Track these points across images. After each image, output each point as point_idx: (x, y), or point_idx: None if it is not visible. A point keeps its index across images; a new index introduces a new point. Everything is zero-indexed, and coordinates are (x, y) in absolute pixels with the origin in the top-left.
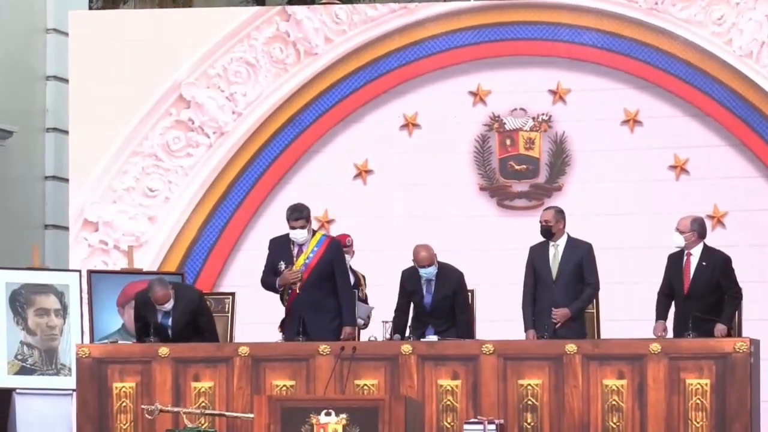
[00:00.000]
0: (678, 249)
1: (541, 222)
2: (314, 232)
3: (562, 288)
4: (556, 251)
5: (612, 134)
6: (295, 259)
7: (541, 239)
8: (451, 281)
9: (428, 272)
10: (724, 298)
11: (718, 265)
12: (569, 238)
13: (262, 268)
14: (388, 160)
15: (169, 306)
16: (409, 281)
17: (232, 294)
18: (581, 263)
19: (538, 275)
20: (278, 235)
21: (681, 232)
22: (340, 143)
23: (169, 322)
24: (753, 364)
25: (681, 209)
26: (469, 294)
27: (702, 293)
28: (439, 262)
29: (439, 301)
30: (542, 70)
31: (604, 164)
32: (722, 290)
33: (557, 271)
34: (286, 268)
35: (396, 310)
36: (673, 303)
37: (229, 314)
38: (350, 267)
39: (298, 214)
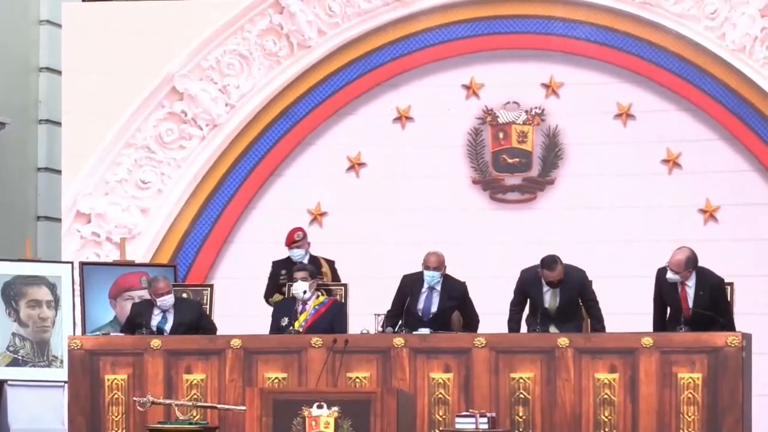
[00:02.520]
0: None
1: (552, 281)
2: (319, 294)
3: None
4: (553, 291)
5: (605, 128)
6: (298, 314)
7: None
8: (456, 290)
9: (433, 276)
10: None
11: (713, 290)
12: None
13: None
14: (381, 153)
15: (168, 300)
16: (409, 285)
17: (210, 286)
18: (580, 294)
19: (533, 306)
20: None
21: (675, 273)
22: (333, 136)
23: (166, 325)
24: (745, 358)
25: (673, 203)
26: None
27: (703, 317)
28: (444, 275)
29: (440, 311)
30: (535, 63)
31: (596, 158)
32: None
33: (557, 307)
34: (288, 324)
35: (389, 311)
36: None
37: (208, 306)
38: (310, 254)
39: (302, 266)
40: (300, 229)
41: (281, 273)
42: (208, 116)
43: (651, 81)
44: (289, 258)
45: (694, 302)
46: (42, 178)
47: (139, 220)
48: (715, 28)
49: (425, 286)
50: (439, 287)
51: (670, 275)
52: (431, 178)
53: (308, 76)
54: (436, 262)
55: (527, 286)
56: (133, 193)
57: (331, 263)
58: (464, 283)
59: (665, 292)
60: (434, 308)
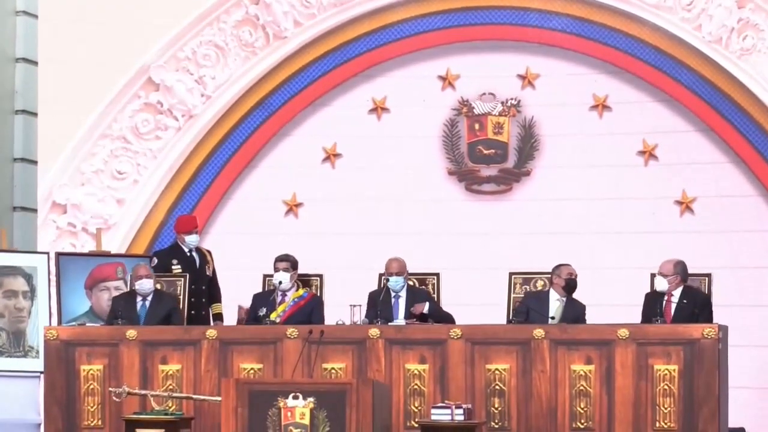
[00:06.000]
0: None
1: (572, 276)
2: (298, 287)
3: None
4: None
5: (581, 119)
6: (276, 305)
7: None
8: (422, 297)
9: (396, 281)
10: None
11: (698, 302)
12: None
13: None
14: (356, 144)
15: (145, 284)
16: (375, 299)
17: (184, 276)
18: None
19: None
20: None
21: (664, 276)
22: (308, 127)
23: (141, 320)
24: (721, 349)
25: (649, 194)
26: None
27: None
28: (409, 285)
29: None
30: (511, 54)
31: (572, 149)
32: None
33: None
34: (265, 315)
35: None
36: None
37: (182, 296)
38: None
39: (285, 256)
40: (194, 217)
41: (173, 263)
42: (184, 107)
43: (627, 72)
44: (177, 246)
45: (677, 309)
46: (18, 169)
47: (114, 210)
48: (691, 20)
49: (392, 295)
50: (404, 293)
51: (658, 280)
52: (407, 169)
53: (284, 67)
54: (398, 267)
55: (531, 306)
56: (108, 183)
57: (209, 252)
58: (428, 291)
59: (650, 309)
60: (401, 315)
